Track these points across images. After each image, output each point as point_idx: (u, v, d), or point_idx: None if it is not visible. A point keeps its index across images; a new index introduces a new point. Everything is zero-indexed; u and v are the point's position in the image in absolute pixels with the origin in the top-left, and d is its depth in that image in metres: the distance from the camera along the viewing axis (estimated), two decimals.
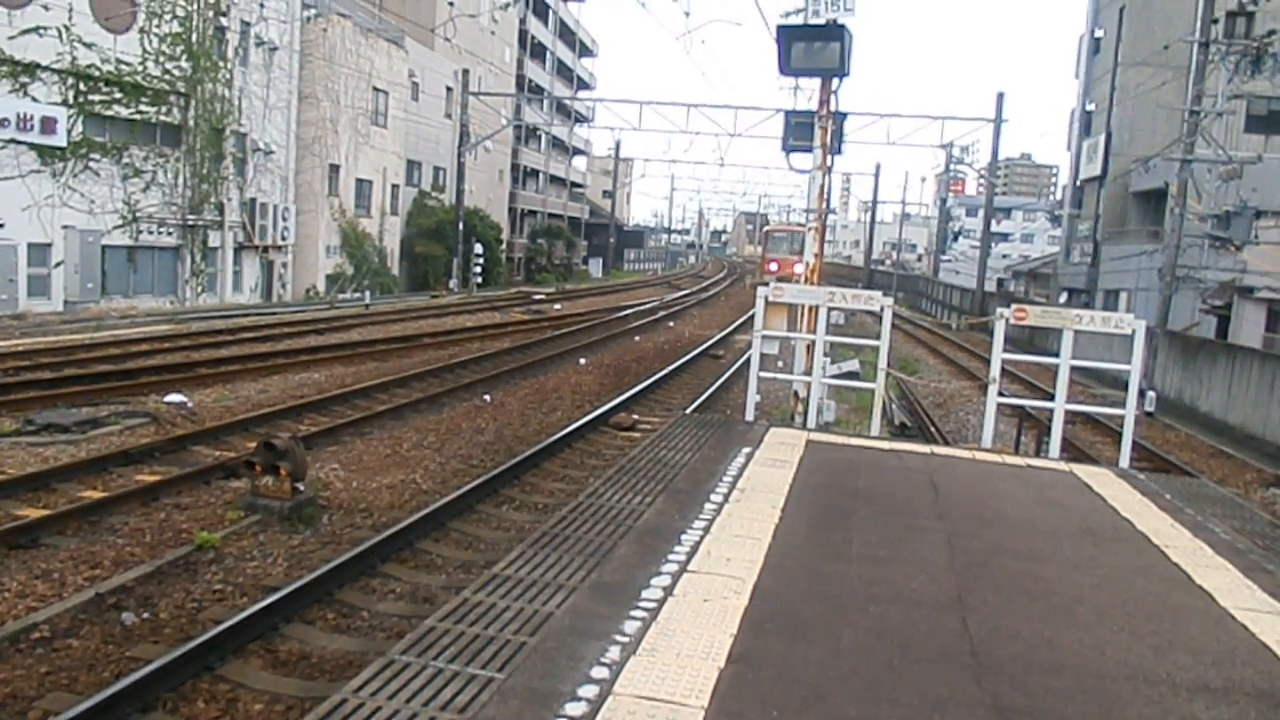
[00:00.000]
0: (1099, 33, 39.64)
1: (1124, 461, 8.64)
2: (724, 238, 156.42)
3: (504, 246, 51.88)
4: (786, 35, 10.51)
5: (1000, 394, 9.13)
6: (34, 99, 23.74)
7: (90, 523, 8.31)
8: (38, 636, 6.12)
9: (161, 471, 9.96)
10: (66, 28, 24.11)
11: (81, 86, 24.92)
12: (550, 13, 66.39)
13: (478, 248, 40.92)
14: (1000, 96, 38.98)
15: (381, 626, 6.67)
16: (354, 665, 5.93)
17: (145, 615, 6.57)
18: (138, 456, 10.36)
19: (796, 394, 10.99)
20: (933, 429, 15.85)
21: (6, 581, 6.98)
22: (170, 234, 28.29)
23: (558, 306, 35.41)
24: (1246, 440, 17.91)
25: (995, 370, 8.95)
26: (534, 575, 4.53)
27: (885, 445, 8.55)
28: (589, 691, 3.43)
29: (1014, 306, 8.96)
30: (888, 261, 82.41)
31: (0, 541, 7.59)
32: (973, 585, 4.86)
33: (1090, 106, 40.02)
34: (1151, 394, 20.05)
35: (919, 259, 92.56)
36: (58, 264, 24.79)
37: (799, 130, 11.98)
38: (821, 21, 10.51)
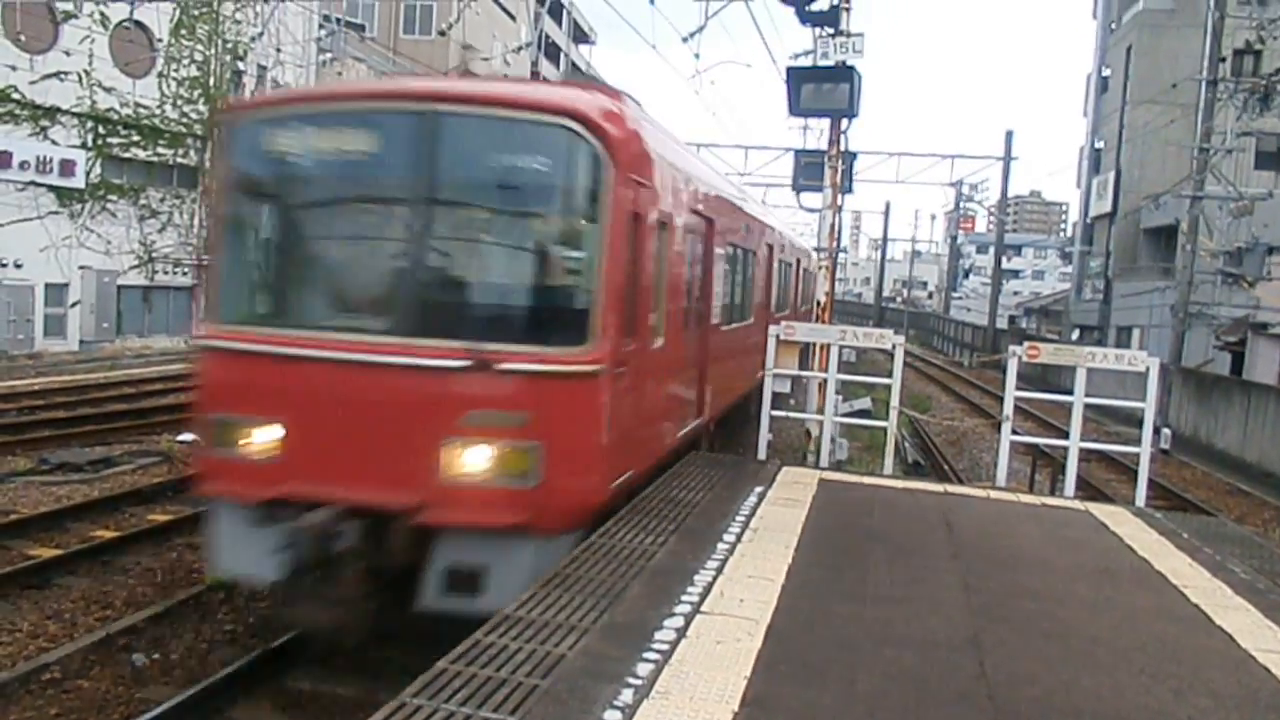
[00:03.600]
0: (1107, 71, 39.88)
1: (1140, 500, 8.55)
2: None
3: None
4: (796, 76, 10.61)
5: (1014, 432, 9.09)
6: (54, 142, 24.11)
7: (102, 563, 8.31)
8: (49, 678, 6.09)
9: (174, 511, 9.96)
10: (87, 72, 24.54)
11: (100, 129, 25.32)
12: (562, 55, 67.28)
13: None
14: (1009, 135, 39.24)
15: (394, 667, 6.62)
16: (365, 708, 5.87)
17: (156, 656, 6.54)
18: (150, 496, 10.38)
19: (809, 432, 10.96)
20: (946, 467, 15.77)
21: (18, 622, 6.97)
22: (185, 274, 28.54)
23: None
24: (1264, 477, 17.73)
25: (1008, 408, 8.90)
26: (546, 616, 4.49)
27: (899, 484, 8.50)
28: None
29: (1026, 344, 8.93)
30: (899, 299, 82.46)
31: (13, 582, 7.59)
32: (989, 627, 4.81)
33: (1099, 144, 40.16)
34: (1167, 431, 19.90)
35: (930, 296, 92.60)
36: (74, 304, 25.01)
37: (809, 169, 12.07)
38: (830, 63, 10.61)
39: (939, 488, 8.65)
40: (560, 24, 66.34)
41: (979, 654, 4.41)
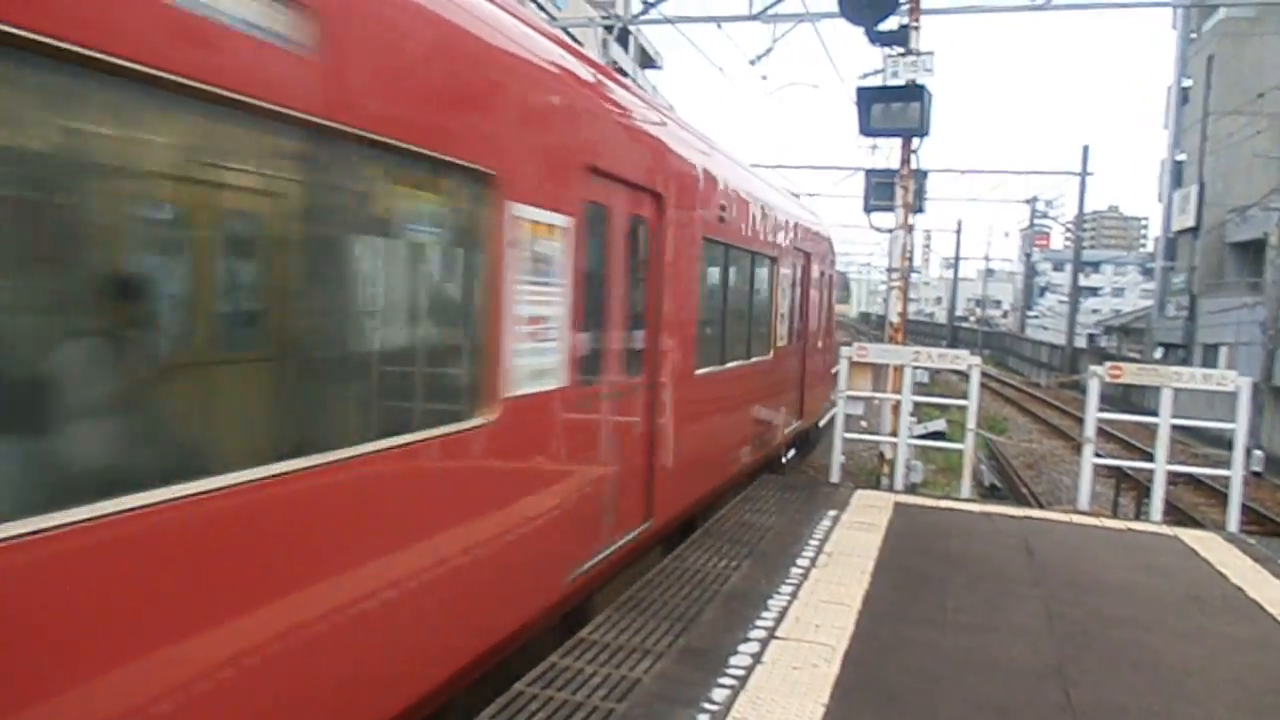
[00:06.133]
0: (1187, 82, 38.84)
1: (1232, 525, 8.26)
2: None
3: None
4: (866, 97, 10.57)
5: (1096, 454, 8.86)
6: None
7: None
8: None
9: None
10: None
11: None
12: (629, 79, 67.82)
13: None
14: (1085, 149, 38.42)
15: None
16: None
17: None
18: None
19: (882, 455, 10.82)
20: (1024, 490, 15.40)
21: None
22: None
23: None
24: None
25: (1090, 429, 8.69)
26: (621, 640, 4.51)
27: (976, 508, 8.35)
28: None
29: (1108, 364, 8.72)
30: (972, 318, 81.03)
31: None
32: (1074, 655, 4.68)
33: (1181, 156, 39.06)
34: (1259, 453, 19.13)
35: (1004, 315, 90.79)
36: None
37: (880, 190, 11.96)
38: (900, 83, 10.54)
39: (1018, 512, 8.47)
40: (626, 49, 67.02)
41: (1064, 683, 4.30)
